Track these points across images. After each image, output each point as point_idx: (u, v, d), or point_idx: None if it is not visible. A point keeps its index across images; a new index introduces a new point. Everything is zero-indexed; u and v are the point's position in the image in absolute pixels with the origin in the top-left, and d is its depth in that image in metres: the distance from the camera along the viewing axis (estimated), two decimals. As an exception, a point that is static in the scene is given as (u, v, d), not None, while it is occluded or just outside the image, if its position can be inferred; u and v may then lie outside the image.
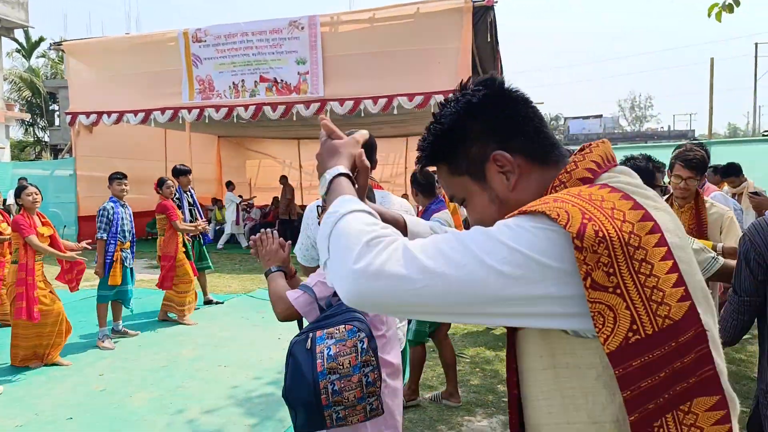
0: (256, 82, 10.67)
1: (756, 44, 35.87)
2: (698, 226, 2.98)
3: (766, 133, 18.57)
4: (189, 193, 6.99)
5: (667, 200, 3.20)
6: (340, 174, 0.97)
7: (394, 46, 9.82)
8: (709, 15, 5.29)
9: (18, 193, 4.82)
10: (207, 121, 11.21)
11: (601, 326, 0.71)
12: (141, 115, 11.53)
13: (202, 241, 7.02)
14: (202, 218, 7.07)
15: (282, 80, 10.52)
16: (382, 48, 9.89)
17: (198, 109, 11.07)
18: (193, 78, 10.98)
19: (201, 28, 10.79)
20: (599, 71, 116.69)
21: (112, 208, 5.45)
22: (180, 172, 6.91)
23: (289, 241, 1.94)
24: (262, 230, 1.90)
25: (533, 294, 0.72)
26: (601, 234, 0.71)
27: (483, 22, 9.93)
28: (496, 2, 9.56)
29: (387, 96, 9.88)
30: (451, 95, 0.97)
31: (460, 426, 3.50)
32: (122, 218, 5.51)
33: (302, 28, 10.17)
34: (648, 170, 2.29)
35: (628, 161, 2.34)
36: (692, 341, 0.72)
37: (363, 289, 0.75)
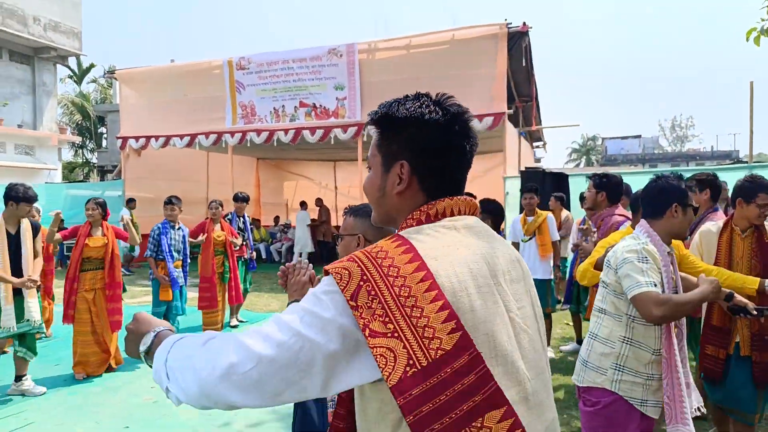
0: (296, 107, 11.06)
1: (802, 63, 34.78)
2: (762, 251, 3.04)
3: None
4: (242, 219, 7.30)
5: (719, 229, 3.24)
6: (157, 333, 1.04)
7: (430, 72, 10.04)
8: (747, 39, 5.32)
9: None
10: (249, 144, 11.64)
11: (383, 366, 0.82)
12: (186, 139, 12.07)
13: (247, 263, 7.31)
14: (250, 244, 7.38)
15: (321, 105, 10.88)
16: (417, 74, 10.13)
17: (240, 134, 11.52)
18: (236, 103, 11.47)
19: (245, 57, 11.29)
20: (639, 90, 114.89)
21: (159, 228, 5.83)
22: (238, 199, 7.28)
23: (319, 277, 1.97)
24: (297, 260, 1.87)
25: (336, 351, 0.85)
26: (373, 293, 0.85)
27: (518, 47, 10.08)
28: (531, 27, 9.70)
29: (422, 120, 10.07)
30: (421, 95, 1.08)
31: None
32: (172, 238, 5.84)
33: (341, 55, 10.54)
34: (680, 189, 2.38)
35: (659, 179, 2.45)
36: (469, 364, 0.84)
37: (208, 391, 0.88)
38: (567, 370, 5.00)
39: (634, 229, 2.98)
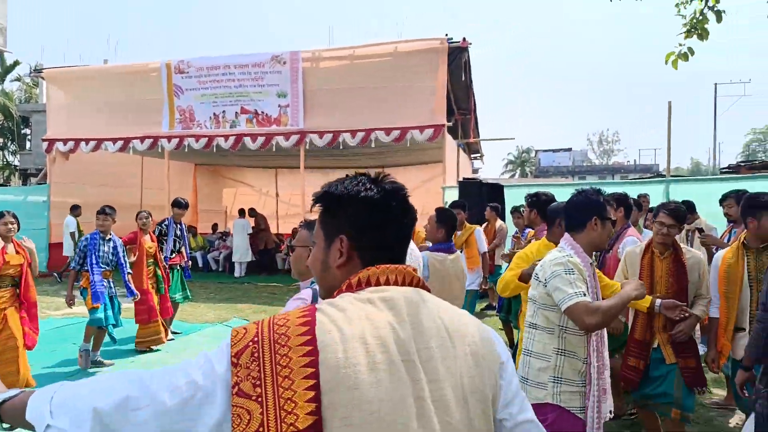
0: (236, 113, 10.90)
1: (715, 84, 37.85)
2: (678, 271, 3.31)
3: (724, 170, 19.51)
4: (179, 226, 7.10)
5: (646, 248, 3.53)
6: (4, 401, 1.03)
7: (373, 82, 10.20)
8: (666, 62, 5.77)
9: None
10: (186, 150, 11.35)
11: (236, 425, 0.87)
12: (120, 143, 11.61)
13: (182, 272, 7.12)
14: (187, 252, 7.19)
15: (263, 112, 10.78)
16: (361, 84, 10.27)
17: (178, 139, 11.21)
18: (174, 108, 11.16)
19: (184, 60, 11.03)
20: (570, 105, 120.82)
21: (87, 240, 5.64)
22: (180, 205, 7.02)
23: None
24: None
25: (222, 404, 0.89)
26: (256, 355, 0.90)
27: (458, 62, 10.43)
28: (471, 44, 10.06)
29: (365, 130, 10.21)
30: (361, 175, 1.15)
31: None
32: (101, 250, 5.65)
33: (284, 62, 10.50)
34: (599, 203, 2.58)
35: (580, 194, 2.63)
36: None
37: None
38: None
39: (549, 240, 3.20)
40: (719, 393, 4.79)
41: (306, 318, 0.95)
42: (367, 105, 10.25)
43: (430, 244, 4.02)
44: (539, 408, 2.39)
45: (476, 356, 1.04)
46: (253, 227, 13.21)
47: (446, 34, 9.95)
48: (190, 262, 7.52)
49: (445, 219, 3.91)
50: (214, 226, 15.47)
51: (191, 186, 16.52)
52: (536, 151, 59.26)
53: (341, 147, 10.51)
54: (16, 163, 32.05)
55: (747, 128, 64.06)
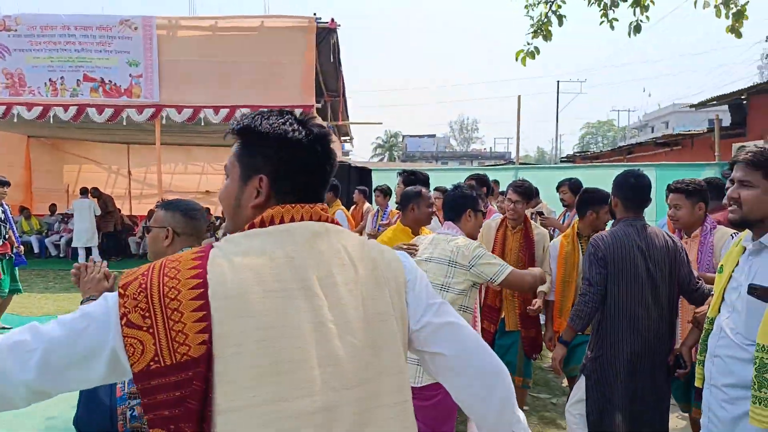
0: (78, 80, 9.67)
1: (558, 82, 42.10)
2: (527, 245, 3.69)
3: (564, 159, 21.90)
4: (1, 208, 6.12)
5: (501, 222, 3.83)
6: None
7: (238, 56, 9.68)
8: (516, 59, 6.24)
9: None
10: (16, 120, 9.86)
11: (131, 355, 0.88)
12: (-74, 108, 9.72)
13: (11, 260, 6.19)
14: (16, 236, 6.26)
15: (110, 81, 9.70)
16: (225, 58, 9.69)
17: (4, 106, 9.67)
18: (-2, 70, 9.59)
19: (11, 16, 9.49)
20: (434, 95, 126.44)
21: None
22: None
23: (114, 273, 1.83)
24: (90, 260, 1.85)
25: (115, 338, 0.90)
26: (144, 286, 0.91)
27: (326, 42, 10.31)
28: (339, 26, 9.99)
29: (230, 107, 9.68)
30: (286, 112, 1.10)
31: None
32: None
33: (135, 28, 9.52)
34: (473, 197, 2.81)
35: (457, 189, 2.86)
36: (195, 376, 0.87)
37: None
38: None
39: (403, 224, 3.32)
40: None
41: (200, 254, 0.96)
42: (232, 81, 9.72)
43: None
44: (428, 386, 2.51)
45: (378, 279, 1.05)
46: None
47: (314, 14, 9.76)
48: (22, 248, 6.58)
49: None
50: (52, 207, 13.73)
51: (24, 161, 14.46)
52: (403, 137, 61.35)
53: (203, 123, 9.87)
54: None
55: (583, 122, 72.40)
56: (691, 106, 11.35)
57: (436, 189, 6.49)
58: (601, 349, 2.62)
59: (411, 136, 61.94)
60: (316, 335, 0.93)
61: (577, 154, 19.35)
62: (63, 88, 9.68)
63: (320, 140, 1.08)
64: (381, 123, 19.40)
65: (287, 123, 1.06)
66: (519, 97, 9.76)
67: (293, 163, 1.05)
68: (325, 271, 0.99)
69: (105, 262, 1.86)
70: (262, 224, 1.01)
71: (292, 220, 1.02)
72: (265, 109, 1.10)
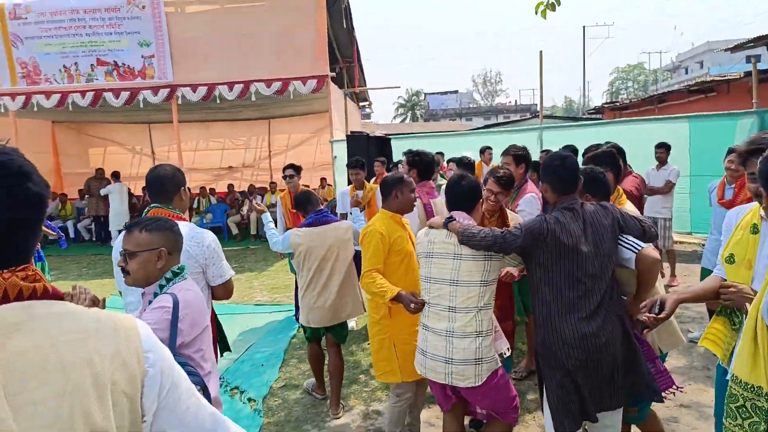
0: (92, 65, 9.66)
1: (584, 27, 40.31)
2: None
3: (591, 111, 21.09)
4: None
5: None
6: None
7: (248, 29, 9.48)
8: (536, 12, 5.88)
9: None
10: (36, 108, 9.95)
11: None
12: (-51, 103, 9.89)
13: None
14: (50, 226, 6.38)
15: (124, 64, 9.65)
16: (234, 31, 9.49)
17: (24, 96, 9.77)
18: (13, 60, 9.63)
19: (20, 4, 9.45)
20: (455, 49, 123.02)
21: None
22: None
23: (104, 297, 1.76)
24: (74, 287, 1.73)
25: None
26: None
27: (337, 7, 9.98)
28: (349, -12, 9.63)
29: (243, 82, 9.55)
30: None
31: (323, 422, 3.67)
32: None
33: (143, 7, 9.37)
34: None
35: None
36: None
37: None
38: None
39: (385, 208, 3.19)
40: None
41: None
42: (244, 55, 9.54)
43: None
44: (489, 378, 2.52)
45: (102, 387, 0.82)
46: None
47: (323, -23, 9.42)
48: (63, 234, 6.70)
49: (301, 202, 3.88)
50: (81, 192, 14.01)
51: (51, 147, 14.70)
52: (425, 95, 60.20)
53: (218, 101, 9.79)
54: None
55: (612, 67, 69.55)
56: (727, 49, 10.65)
57: (350, 165, 6.26)
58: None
59: (432, 93, 60.76)
60: None
61: (606, 106, 18.58)
62: (78, 74, 9.69)
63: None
64: (399, 87, 18.97)
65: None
66: (540, 52, 9.29)
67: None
68: (17, 386, 0.75)
69: (87, 288, 1.74)
70: None
71: None
72: None
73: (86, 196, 12.78)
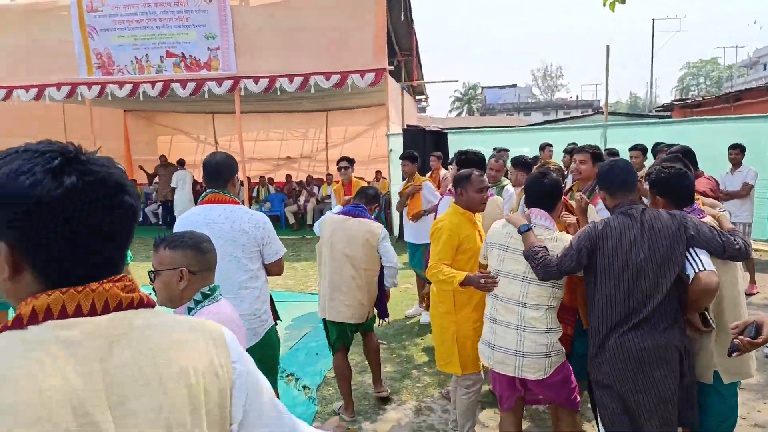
0: (162, 57, 10.06)
1: (653, 20, 38.43)
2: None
3: (659, 109, 20.08)
4: None
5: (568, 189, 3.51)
6: None
7: (309, 22, 9.59)
8: (604, 5, 5.64)
9: None
10: (110, 98, 10.49)
11: None
12: (34, 92, 10.55)
13: None
14: None
15: (191, 56, 10.00)
16: (296, 24, 9.63)
17: (99, 86, 10.30)
18: (90, 51, 10.16)
19: (97, -3, 9.96)
20: (516, 42, 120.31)
21: None
22: None
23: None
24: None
25: None
26: None
27: (397, 0, 9.93)
28: (410, -19, 9.56)
29: (303, 74, 9.69)
30: (37, 150, 0.81)
31: (376, 415, 3.69)
32: None
33: (210, 0, 9.67)
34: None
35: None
36: None
37: None
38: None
39: (457, 204, 3.12)
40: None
41: None
42: (304, 47, 9.68)
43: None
44: (556, 370, 2.57)
45: (196, 399, 0.83)
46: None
47: (384, -30, 9.39)
48: None
49: (367, 196, 3.72)
50: (150, 177, 14.69)
51: (122, 134, 15.49)
52: (482, 88, 59.23)
53: (278, 93, 9.98)
54: None
55: (682, 62, 66.03)
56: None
57: (401, 156, 6.12)
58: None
59: (490, 87, 59.69)
60: None
61: (676, 103, 17.63)
62: (148, 65, 10.12)
63: (80, 195, 0.80)
64: (457, 80, 18.68)
65: (29, 172, 0.78)
66: (608, 46, 8.92)
67: (39, 228, 0.78)
68: (119, 398, 0.76)
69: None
70: (34, 319, 0.76)
71: (78, 311, 0.78)
72: (25, 146, 0.83)
73: (154, 181, 13.39)
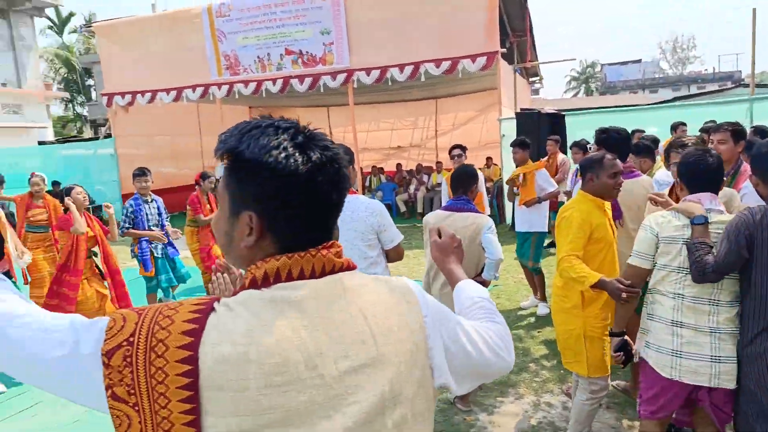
0: (281, 55, 10.66)
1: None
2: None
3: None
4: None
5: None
6: None
7: (418, 9, 9.59)
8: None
9: (68, 192, 4.75)
10: (237, 96, 11.33)
11: (117, 426, 0.80)
12: (173, 93, 11.74)
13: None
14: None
15: (307, 52, 10.47)
16: (406, 12, 9.68)
17: (227, 85, 11.18)
18: (219, 54, 11.05)
19: (225, 2, 10.77)
20: (638, 14, 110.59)
21: (131, 206, 5.38)
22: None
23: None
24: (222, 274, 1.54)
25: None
26: (129, 360, 0.79)
27: (510, -22, 9.57)
28: (524, -42, 9.15)
29: (413, 63, 9.74)
30: (281, 128, 0.89)
31: (493, 407, 3.65)
32: (146, 214, 5.43)
33: (324, -3, 10.03)
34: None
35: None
36: None
37: None
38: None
39: (584, 190, 2.90)
40: None
41: (193, 325, 0.81)
42: (414, 36, 9.70)
43: None
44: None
45: (403, 354, 0.90)
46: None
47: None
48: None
49: (460, 179, 3.47)
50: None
51: (247, 129, 16.68)
52: (602, 66, 55.29)
53: (389, 83, 10.12)
54: (86, 113, 33.55)
55: None
56: None
57: (512, 144, 5.67)
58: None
59: (612, 64, 55.55)
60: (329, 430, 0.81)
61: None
62: (269, 64, 10.78)
63: (322, 169, 0.88)
64: (574, 59, 17.54)
65: (280, 147, 0.85)
66: (754, 10, 7.87)
67: (288, 199, 0.86)
68: (341, 352, 0.84)
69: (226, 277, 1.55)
70: (266, 281, 0.86)
71: (302, 274, 0.87)
72: (263, 121, 0.90)
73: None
